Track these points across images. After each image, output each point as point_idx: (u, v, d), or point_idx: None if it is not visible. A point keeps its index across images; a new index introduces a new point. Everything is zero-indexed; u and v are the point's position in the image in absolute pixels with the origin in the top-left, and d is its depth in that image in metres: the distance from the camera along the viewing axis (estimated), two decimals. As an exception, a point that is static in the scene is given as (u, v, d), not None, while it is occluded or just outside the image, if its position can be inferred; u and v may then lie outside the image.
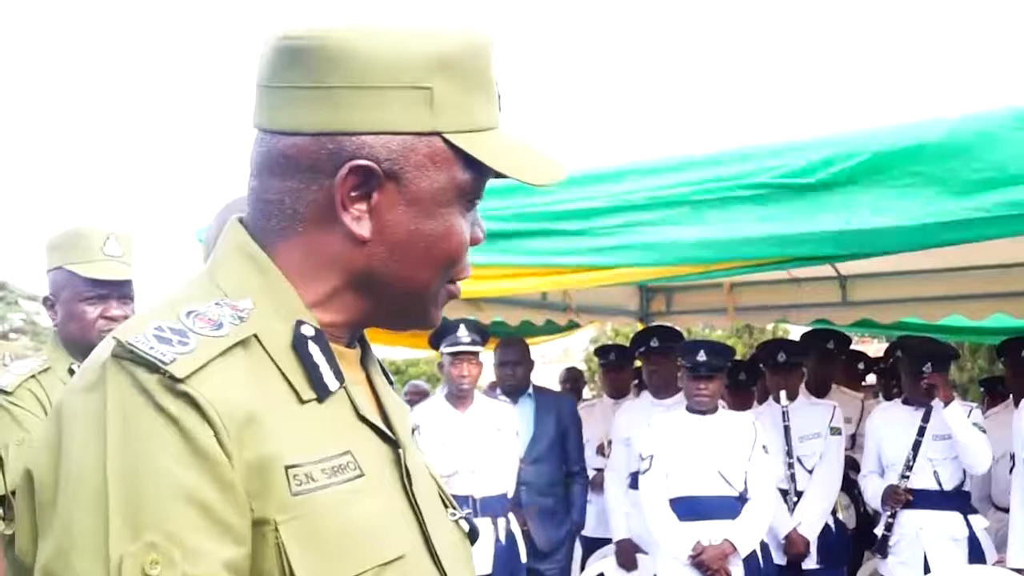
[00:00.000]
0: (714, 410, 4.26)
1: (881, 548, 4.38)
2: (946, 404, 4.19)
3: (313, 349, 0.93)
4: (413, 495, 0.97)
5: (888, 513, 4.34)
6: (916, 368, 4.31)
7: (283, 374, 0.90)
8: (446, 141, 0.94)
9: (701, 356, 4.17)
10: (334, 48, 0.92)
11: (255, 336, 0.90)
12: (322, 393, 0.92)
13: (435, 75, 0.92)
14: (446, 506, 1.07)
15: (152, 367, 0.82)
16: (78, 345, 2.44)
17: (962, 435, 4.15)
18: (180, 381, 0.82)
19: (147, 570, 0.77)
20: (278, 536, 0.84)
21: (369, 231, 0.94)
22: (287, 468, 0.85)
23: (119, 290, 2.49)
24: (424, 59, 0.92)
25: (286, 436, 0.86)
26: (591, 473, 5.21)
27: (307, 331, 0.93)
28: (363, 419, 0.96)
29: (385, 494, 0.94)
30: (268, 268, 0.95)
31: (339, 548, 0.86)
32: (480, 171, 0.96)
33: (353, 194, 0.93)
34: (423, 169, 0.93)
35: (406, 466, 0.98)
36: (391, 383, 1.10)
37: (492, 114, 0.98)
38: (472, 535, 1.09)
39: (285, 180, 0.95)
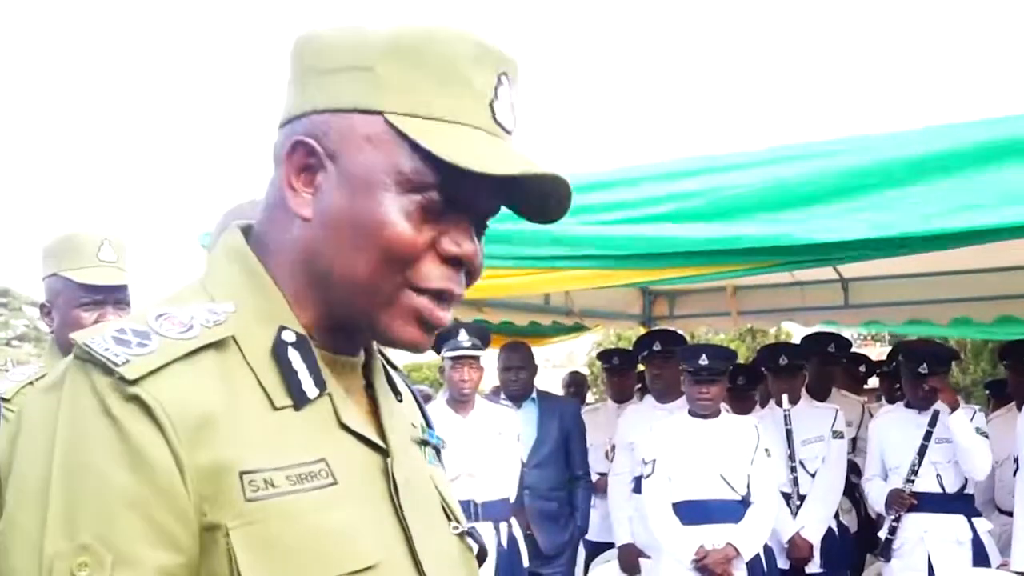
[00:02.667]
0: (716, 414, 4.26)
1: (885, 551, 4.37)
2: (952, 410, 4.18)
3: (293, 355, 0.91)
4: (399, 505, 0.95)
5: (892, 516, 4.33)
6: (915, 370, 4.30)
7: (257, 379, 0.89)
8: (389, 124, 0.91)
9: (703, 360, 4.16)
10: (304, 41, 0.96)
11: (233, 339, 0.89)
12: (299, 400, 0.90)
13: (382, 58, 0.91)
14: (450, 519, 1.05)
15: (106, 369, 0.82)
16: None
17: (964, 441, 4.15)
18: (131, 383, 0.81)
19: (75, 572, 0.77)
20: (228, 542, 0.83)
21: (311, 211, 0.93)
22: (242, 474, 0.84)
23: (114, 295, 2.47)
24: (374, 43, 0.91)
25: (247, 441, 0.85)
26: (595, 477, 5.21)
27: (288, 337, 0.92)
28: (345, 427, 0.94)
29: (361, 502, 0.92)
30: (256, 271, 0.95)
31: (299, 555, 0.85)
32: (435, 164, 0.89)
33: (303, 175, 0.93)
34: (360, 148, 0.91)
35: (393, 476, 0.96)
36: (399, 395, 1.07)
37: (461, 109, 0.91)
38: (480, 555, 1.07)
39: (273, 172, 0.98)
